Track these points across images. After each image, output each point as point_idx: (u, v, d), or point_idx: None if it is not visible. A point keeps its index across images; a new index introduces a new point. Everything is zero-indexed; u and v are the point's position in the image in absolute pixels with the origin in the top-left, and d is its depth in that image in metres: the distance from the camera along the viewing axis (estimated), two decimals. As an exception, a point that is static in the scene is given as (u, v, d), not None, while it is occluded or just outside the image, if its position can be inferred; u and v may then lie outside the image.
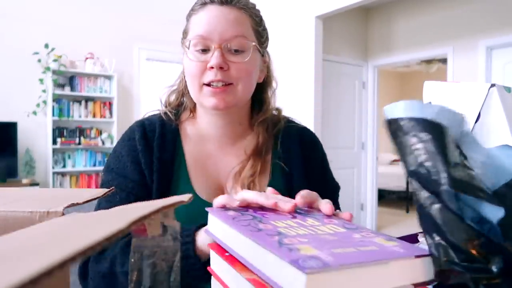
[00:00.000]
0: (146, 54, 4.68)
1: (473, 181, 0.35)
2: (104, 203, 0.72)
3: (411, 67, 6.83)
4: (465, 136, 0.38)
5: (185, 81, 0.80)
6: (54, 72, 4.05)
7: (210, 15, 0.71)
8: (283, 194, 0.64)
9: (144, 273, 0.31)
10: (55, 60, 4.01)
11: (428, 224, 0.35)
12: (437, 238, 0.35)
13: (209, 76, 0.71)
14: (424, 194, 0.36)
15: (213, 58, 0.70)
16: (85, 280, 0.69)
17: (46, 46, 4.01)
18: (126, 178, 0.74)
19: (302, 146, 0.84)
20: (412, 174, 0.36)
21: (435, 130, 0.36)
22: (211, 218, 0.48)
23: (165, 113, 0.81)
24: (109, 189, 0.38)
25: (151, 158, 0.75)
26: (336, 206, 0.86)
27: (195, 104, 0.82)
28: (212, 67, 0.70)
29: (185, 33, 0.77)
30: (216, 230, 0.46)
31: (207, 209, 0.49)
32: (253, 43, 0.74)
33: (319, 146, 0.89)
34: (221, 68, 0.70)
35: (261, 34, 0.78)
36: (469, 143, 0.38)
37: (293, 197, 0.55)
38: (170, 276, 0.31)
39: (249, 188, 0.74)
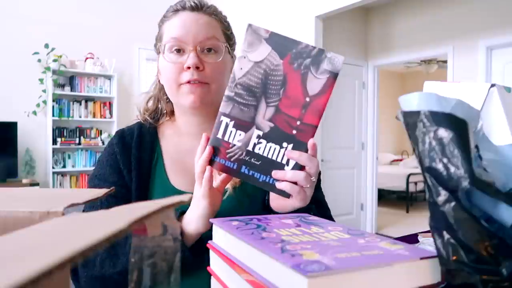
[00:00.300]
0: (146, 54, 4.68)
1: (491, 180, 0.34)
2: (88, 208, 0.75)
3: (411, 67, 6.83)
4: (478, 132, 0.37)
5: (160, 86, 0.85)
6: (54, 72, 4.05)
7: (183, 20, 0.76)
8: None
9: (144, 273, 0.31)
10: (55, 60, 4.01)
11: (439, 222, 0.34)
12: (447, 236, 0.34)
13: (186, 76, 0.74)
14: (439, 192, 0.34)
15: (189, 58, 0.73)
16: (79, 282, 0.71)
17: (46, 46, 4.01)
18: (106, 182, 0.78)
19: None
20: (428, 170, 0.35)
21: (458, 126, 0.34)
22: (215, 228, 0.48)
23: (145, 119, 0.85)
24: (109, 189, 0.38)
25: (129, 158, 0.79)
26: (319, 190, 0.85)
27: (172, 108, 0.86)
28: (189, 67, 0.73)
29: (159, 38, 0.81)
30: (220, 239, 0.46)
31: (211, 220, 0.50)
32: (225, 44, 0.78)
33: None
34: (197, 68, 0.73)
35: (230, 37, 0.83)
36: (481, 140, 0.38)
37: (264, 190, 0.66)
38: (170, 276, 0.31)
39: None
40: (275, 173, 0.59)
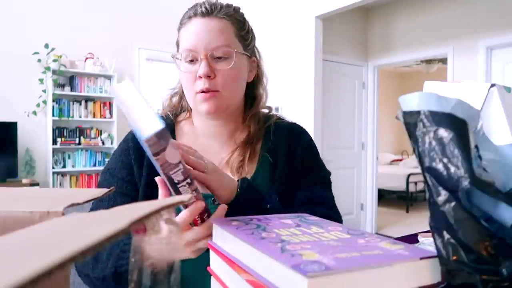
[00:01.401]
0: (146, 54, 4.68)
1: (491, 180, 0.34)
2: (96, 203, 0.77)
3: (411, 67, 6.83)
4: (478, 132, 0.37)
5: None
6: (54, 72, 4.05)
7: (195, 28, 0.77)
8: (267, 184, 0.78)
9: (144, 273, 0.31)
10: (55, 60, 4.01)
11: (440, 222, 0.34)
12: (447, 236, 0.34)
13: (199, 85, 0.76)
14: (439, 191, 0.34)
15: (201, 68, 0.75)
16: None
17: (46, 46, 4.01)
18: (115, 176, 0.79)
19: (289, 139, 0.88)
20: (428, 170, 0.35)
21: (458, 126, 0.34)
22: (215, 228, 0.48)
23: (166, 114, 0.88)
24: (109, 189, 0.38)
25: (142, 154, 0.79)
26: (329, 194, 0.85)
27: None
28: (200, 77, 0.75)
29: (177, 45, 0.83)
30: (221, 239, 0.47)
31: (211, 220, 0.50)
32: (236, 50, 0.78)
33: (304, 136, 0.91)
34: (208, 76, 0.75)
35: (244, 38, 0.82)
36: (481, 140, 0.37)
37: (275, 187, 0.70)
38: (170, 276, 0.31)
39: (238, 173, 0.79)
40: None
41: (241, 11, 0.84)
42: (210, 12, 0.77)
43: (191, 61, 0.77)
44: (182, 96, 0.88)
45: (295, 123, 0.93)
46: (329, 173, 0.91)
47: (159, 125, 0.47)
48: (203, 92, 0.76)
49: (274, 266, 0.33)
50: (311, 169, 0.86)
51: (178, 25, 0.82)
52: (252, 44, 0.85)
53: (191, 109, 0.88)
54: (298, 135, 0.90)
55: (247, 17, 0.85)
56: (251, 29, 0.85)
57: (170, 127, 0.86)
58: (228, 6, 0.80)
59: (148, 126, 0.48)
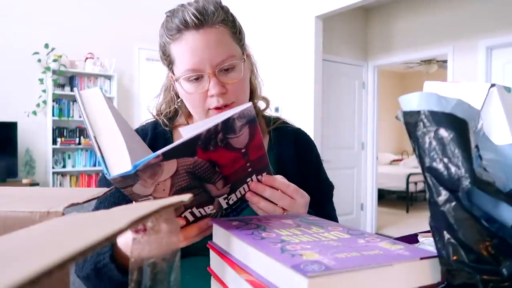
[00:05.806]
0: (146, 54, 4.68)
1: (492, 180, 0.34)
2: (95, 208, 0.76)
3: (411, 67, 6.83)
4: (478, 132, 0.37)
5: (174, 93, 0.84)
6: (54, 72, 4.05)
7: (192, 45, 0.70)
8: None
9: (144, 273, 0.31)
10: (55, 60, 4.01)
11: (440, 222, 0.34)
12: (447, 236, 0.34)
13: (212, 103, 0.72)
14: (439, 191, 0.34)
15: (212, 87, 0.71)
16: None
17: (46, 46, 4.01)
18: (109, 185, 0.76)
19: (297, 147, 0.87)
20: (428, 170, 0.35)
21: (458, 126, 0.34)
22: (215, 228, 0.48)
23: (161, 119, 0.84)
24: (109, 189, 0.38)
25: None
26: (331, 205, 0.86)
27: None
28: (213, 95, 0.72)
29: (168, 60, 0.76)
30: (220, 239, 0.47)
31: (211, 220, 0.50)
32: (242, 60, 0.74)
33: (314, 147, 0.91)
34: (221, 93, 0.71)
35: (239, 38, 0.77)
36: (481, 140, 0.37)
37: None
38: (170, 276, 0.31)
39: None
40: (251, 198, 0.57)
41: (227, 7, 0.76)
42: (203, 22, 0.70)
43: (196, 79, 0.72)
44: (173, 102, 0.85)
45: (299, 129, 0.92)
46: (332, 187, 0.90)
47: (128, 167, 0.44)
48: (217, 108, 0.72)
49: (274, 266, 0.33)
50: (321, 182, 0.86)
51: (165, 37, 0.74)
52: (244, 39, 0.80)
53: (189, 115, 0.85)
54: (307, 145, 0.89)
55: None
56: (239, 24, 0.78)
57: (167, 131, 0.83)
58: (216, 8, 0.72)
59: (117, 164, 0.47)
